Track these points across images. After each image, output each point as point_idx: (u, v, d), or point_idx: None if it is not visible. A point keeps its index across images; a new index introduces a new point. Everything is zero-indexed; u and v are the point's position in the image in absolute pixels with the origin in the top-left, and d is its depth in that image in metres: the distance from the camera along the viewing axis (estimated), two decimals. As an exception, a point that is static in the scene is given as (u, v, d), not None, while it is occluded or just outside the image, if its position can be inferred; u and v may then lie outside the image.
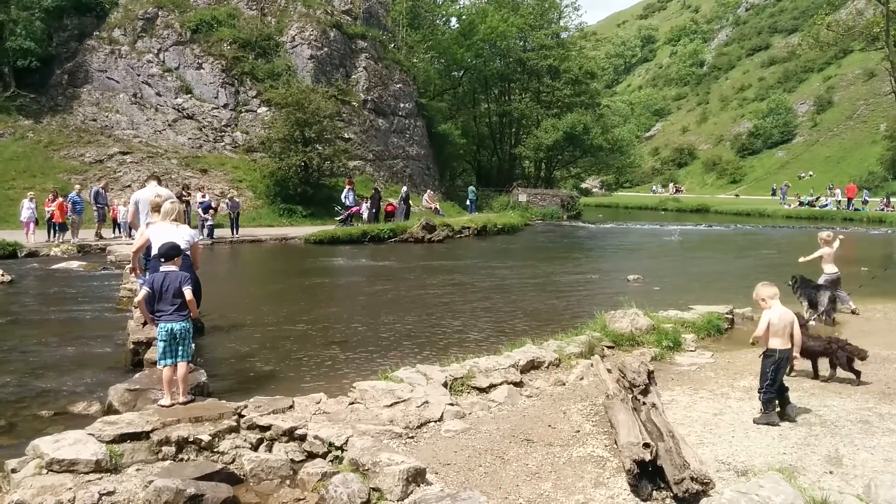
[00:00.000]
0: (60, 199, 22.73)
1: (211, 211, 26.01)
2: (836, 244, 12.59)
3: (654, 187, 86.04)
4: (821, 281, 12.19)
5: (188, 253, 8.09)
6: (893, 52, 41.02)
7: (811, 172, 67.93)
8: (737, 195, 70.22)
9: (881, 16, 40.85)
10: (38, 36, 34.47)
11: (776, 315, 6.36)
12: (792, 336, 6.38)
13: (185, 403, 6.38)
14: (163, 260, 6.88)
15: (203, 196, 27.02)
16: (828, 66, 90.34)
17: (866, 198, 49.05)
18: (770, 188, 59.53)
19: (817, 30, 45.71)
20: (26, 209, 21.96)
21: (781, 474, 4.57)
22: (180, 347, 6.61)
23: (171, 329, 6.58)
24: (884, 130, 64.61)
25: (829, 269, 12.37)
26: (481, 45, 51.83)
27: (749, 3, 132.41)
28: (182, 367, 6.57)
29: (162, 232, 8.22)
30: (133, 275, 10.68)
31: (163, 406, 6.31)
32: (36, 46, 33.92)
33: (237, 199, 28.18)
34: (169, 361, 6.51)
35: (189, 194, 26.75)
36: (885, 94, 67.20)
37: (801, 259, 12.95)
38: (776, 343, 6.32)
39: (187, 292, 6.71)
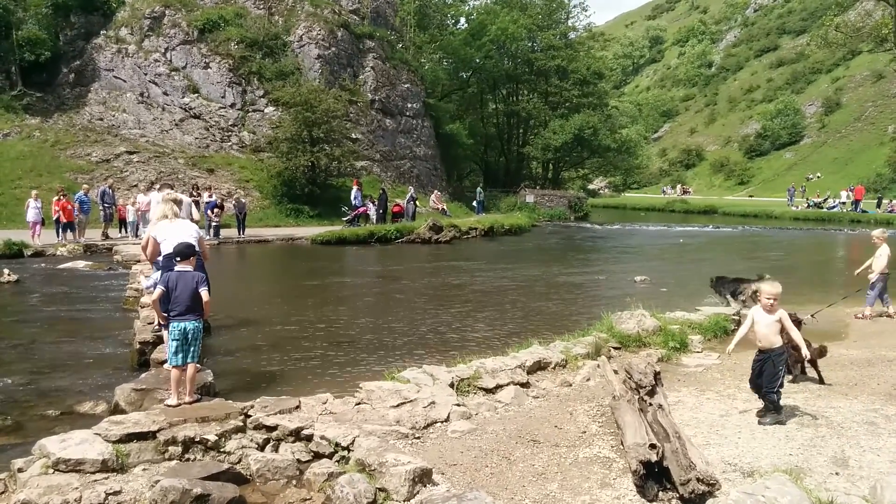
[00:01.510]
0: (63, 200, 22.67)
1: (217, 210, 26.04)
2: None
3: (665, 188, 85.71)
4: (876, 279, 11.96)
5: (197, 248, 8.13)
6: (902, 53, 40.90)
7: (819, 174, 67.75)
8: (750, 196, 69.95)
9: (889, 17, 40.73)
10: (47, 24, 34.52)
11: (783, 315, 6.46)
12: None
13: (191, 403, 6.42)
14: (178, 259, 6.92)
15: (210, 196, 27.09)
16: (836, 68, 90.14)
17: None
18: (787, 189, 59.23)
19: (826, 30, 45.59)
20: (32, 209, 21.94)
21: (787, 475, 4.56)
22: (192, 348, 6.65)
23: (185, 329, 6.62)
24: (892, 132, 64.41)
25: (886, 268, 12.03)
26: (490, 46, 51.80)
27: (757, 4, 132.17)
28: (190, 367, 6.61)
29: (167, 228, 8.30)
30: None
31: (169, 406, 6.34)
32: (46, 36, 33.95)
33: (243, 200, 28.21)
34: (179, 361, 6.55)
35: (199, 194, 26.82)
36: (894, 96, 67.10)
37: (858, 271, 12.60)
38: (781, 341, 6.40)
39: (204, 294, 6.78)
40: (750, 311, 6.58)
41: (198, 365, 6.85)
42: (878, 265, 11.98)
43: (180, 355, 6.56)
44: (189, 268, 6.90)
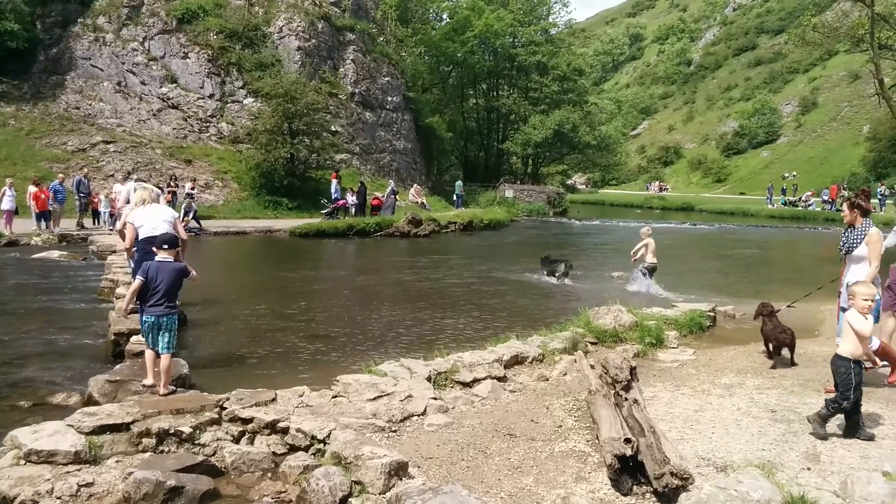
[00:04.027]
0: (36, 189, 22.39)
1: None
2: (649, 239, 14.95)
3: (649, 184, 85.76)
4: (641, 269, 14.90)
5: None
6: (878, 54, 41.27)
7: (794, 173, 68.42)
8: (742, 193, 70.08)
9: (866, 18, 41.08)
10: (23, 17, 34.02)
11: None
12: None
13: (166, 395, 6.40)
14: (165, 247, 6.96)
15: (193, 188, 26.75)
16: (813, 68, 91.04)
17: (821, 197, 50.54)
18: (766, 188, 59.63)
19: (803, 30, 45.94)
20: (7, 198, 21.63)
21: (760, 470, 4.61)
22: (165, 337, 6.70)
23: (157, 320, 6.70)
24: (867, 132, 65.11)
25: (651, 258, 14.84)
26: (473, 41, 51.76)
27: (736, 3, 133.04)
28: (164, 358, 6.63)
29: (142, 213, 8.47)
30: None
31: (146, 385, 6.56)
32: (22, 28, 33.45)
33: (193, 193, 27.05)
34: (151, 345, 6.70)
35: (176, 185, 26.56)
36: (869, 96, 67.67)
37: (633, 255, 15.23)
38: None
39: (190, 277, 7.13)
40: (852, 316, 5.75)
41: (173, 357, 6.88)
42: (649, 258, 14.82)
43: (153, 343, 6.71)
44: (170, 258, 6.95)
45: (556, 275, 16.44)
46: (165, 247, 6.95)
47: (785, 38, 68.79)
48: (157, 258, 6.90)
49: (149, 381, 6.65)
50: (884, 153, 58.69)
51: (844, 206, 7.35)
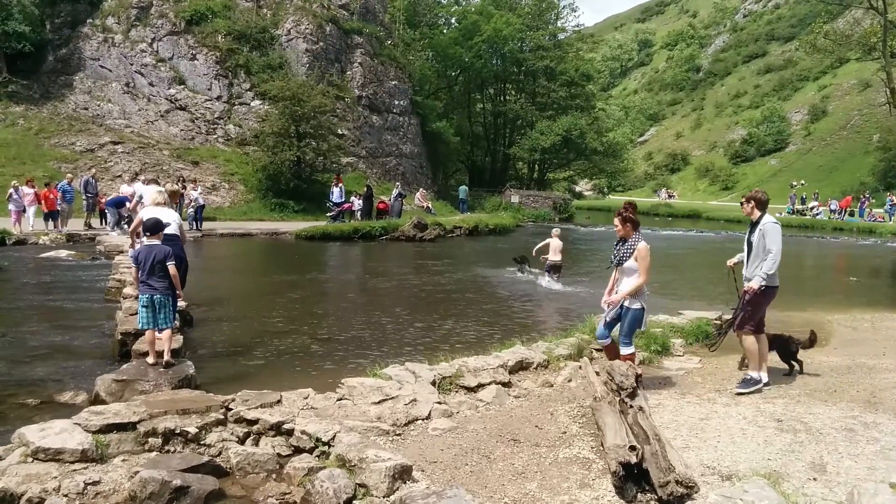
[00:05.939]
0: (44, 190, 22.51)
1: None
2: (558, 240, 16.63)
3: (658, 192, 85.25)
4: (546, 266, 16.73)
5: (178, 234, 9.33)
6: (890, 62, 41.22)
7: (803, 181, 68.24)
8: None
9: (878, 26, 41.02)
10: (33, 20, 34.26)
11: None
12: None
13: (167, 367, 7.13)
14: (148, 234, 7.67)
15: (196, 188, 26.78)
16: (823, 76, 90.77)
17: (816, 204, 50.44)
18: (789, 196, 59.18)
19: (815, 37, 45.89)
20: (16, 198, 21.72)
21: (766, 480, 4.59)
22: (161, 314, 7.39)
23: (151, 298, 7.38)
24: (877, 141, 64.81)
25: (553, 256, 16.59)
26: (482, 46, 51.73)
27: (747, 9, 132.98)
28: (165, 332, 7.37)
29: (153, 212, 9.06)
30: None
31: (149, 363, 7.17)
32: (30, 31, 33.70)
33: (198, 195, 26.70)
34: (148, 325, 7.36)
35: (184, 187, 26.58)
36: (880, 105, 67.60)
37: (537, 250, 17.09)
38: None
39: (171, 267, 7.52)
40: None
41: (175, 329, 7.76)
42: (551, 256, 16.60)
43: (151, 322, 7.38)
44: (157, 241, 7.62)
45: (519, 270, 18.59)
46: (148, 233, 7.67)
47: (796, 45, 68.69)
48: (144, 242, 7.60)
49: (151, 359, 7.29)
50: (894, 163, 58.38)
51: (616, 221, 7.45)
